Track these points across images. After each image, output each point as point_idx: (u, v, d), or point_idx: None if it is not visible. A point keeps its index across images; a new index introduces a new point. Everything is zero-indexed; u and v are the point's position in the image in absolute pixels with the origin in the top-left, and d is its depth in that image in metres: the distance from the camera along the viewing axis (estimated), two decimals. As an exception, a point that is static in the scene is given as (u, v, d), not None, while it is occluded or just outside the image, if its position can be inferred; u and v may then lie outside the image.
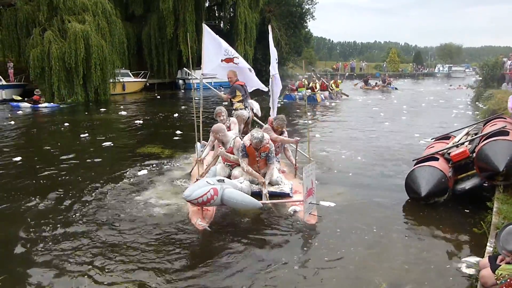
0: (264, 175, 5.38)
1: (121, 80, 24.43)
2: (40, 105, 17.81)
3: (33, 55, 19.58)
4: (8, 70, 22.93)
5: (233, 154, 5.64)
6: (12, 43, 21.83)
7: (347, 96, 21.89)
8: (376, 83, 30.31)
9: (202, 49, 7.47)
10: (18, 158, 7.83)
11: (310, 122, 11.34)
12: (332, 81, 22.76)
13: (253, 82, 7.82)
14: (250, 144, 5.27)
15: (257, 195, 5.05)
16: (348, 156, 8.11)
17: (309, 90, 19.26)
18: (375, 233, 4.34)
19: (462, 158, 5.35)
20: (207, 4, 33.57)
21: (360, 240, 4.19)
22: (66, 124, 12.83)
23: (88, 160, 7.74)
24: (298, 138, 6.30)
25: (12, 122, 13.32)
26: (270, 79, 7.35)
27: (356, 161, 7.72)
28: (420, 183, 5.05)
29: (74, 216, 4.80)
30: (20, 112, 16.53)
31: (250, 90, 7.72)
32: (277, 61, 7.32)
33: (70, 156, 8.07)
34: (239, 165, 5.50)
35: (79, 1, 21.20)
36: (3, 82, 21.71)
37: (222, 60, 7.43)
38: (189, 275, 3.51)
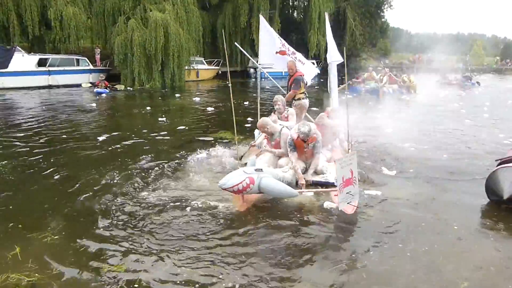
0: (310, 164, 5.48)
1: (195, 67, 25.34)
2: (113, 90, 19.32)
3: (117, 42, 20.95)
4: (96, 55, 24.77)
5: (280, 146, 5.72)
6: (99, 30, 23.52)
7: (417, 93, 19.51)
8: (455, 76, 27.31)
9: (259, 40, 7.64)
10: (103, 137, 8.50)
11: (378, 116, 10.89)
12: (404, 75, 20.91)
13: (308, 74, 7.90)
14: (298, 136, 5.34)
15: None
16: (422, 152, 7.74)
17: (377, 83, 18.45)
18: (454, 231, 4.16)
19: (551, 161, 4.90)
20: (281, -7, 33.51)
21: (436, 236, 4.04)
22: (148, 108, 13.59)
23: (162, 140, 8.19)
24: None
25: (94, 105, 14.42)
26: (328, 68, 7.37)
27: (431, 157, 7.35)
28: (503, 185, 4.70)
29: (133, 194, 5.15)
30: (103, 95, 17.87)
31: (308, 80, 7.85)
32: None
33: (149, 135, 8.61)
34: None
35: (160, -10, 22.27)
36: (91, 67, 23.51)
37: (276, 52, 7.56)
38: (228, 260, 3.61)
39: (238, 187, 4.45)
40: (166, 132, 9.31)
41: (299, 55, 7.82)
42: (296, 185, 5.18)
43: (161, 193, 5.14)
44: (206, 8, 30.57)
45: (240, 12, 29.01)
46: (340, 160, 4.54)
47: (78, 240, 3.85)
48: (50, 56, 21.77)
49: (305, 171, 5.50)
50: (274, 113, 7.02)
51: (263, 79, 29.68)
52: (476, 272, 3.46)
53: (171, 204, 4.77)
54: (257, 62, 7.88)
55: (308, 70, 7.91)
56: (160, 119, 11.17)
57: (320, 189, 5.13)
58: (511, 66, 59.59)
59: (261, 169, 4.79)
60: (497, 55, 67.28)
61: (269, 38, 7.67)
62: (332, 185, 5.16)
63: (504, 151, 6.88)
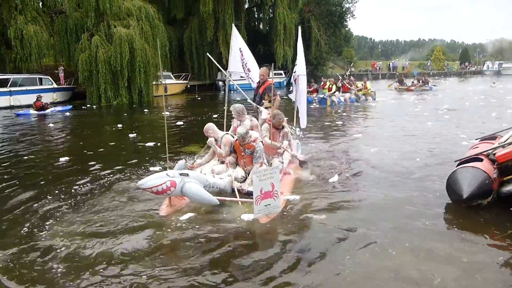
0: (249, 172, 5.61)
1: (163, 82, 25.17)
2: (48, 110, 17.37)
3: (81, 59, 20.59)
4: (59, 74, 24.23)
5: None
6: (62, 48, 23.00)
7: (374, 99, 19.78)
8: (412, 82, 28.04)
9: (230, 49, 7.75)
10: (66, 159, 8.27)
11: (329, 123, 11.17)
12: (361, 83, 20.58)
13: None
14: (237, 139, 5.63)
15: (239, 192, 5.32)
16: (383, 155, 7.98)
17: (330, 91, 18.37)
18: (413, 235, 4.27)
19: (509, 159, 5.12)
20: (246, 6, 33.88)
21: (399, 236, 4.13)
22: (120, 125, 13.36)
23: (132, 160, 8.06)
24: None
25: (51, 125, 13.95)
26: (294, 80, 7.49)
27: (392, 160, 7.57)
28: (462, 185, 4.86)
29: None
30: (68, 114, 17.41)
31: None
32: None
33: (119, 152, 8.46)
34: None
35: (124, 7, 22.11)
36: (55, 85, 22.95)
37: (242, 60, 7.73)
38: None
39: (157, 188, 4.50)
40: (134, 149, 9.19)
41: (253, 75, 7.90)
42: (233, 192, 5.31)
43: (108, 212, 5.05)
44: (172, 23, 30.53)
45: (206, 26, 29.12)
46: (258, 172, 4.64)
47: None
48: (11, 76, 21.14)
49: (244, 180, 5.63)
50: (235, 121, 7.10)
51: (232, 91, 29.74)
52: (444, 268, 3.55)
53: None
54: (227, 72, 7.95)
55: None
56: (130, 135, 11.00)
57: (234, 199, 5.09)
58: (470, 69, 62.24)
59: (187, 174, 4.87)
60: (456, 59, 70.19)
61: (238, 48, 7.76)
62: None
63: (464, 151, 7.14)
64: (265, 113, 7.21)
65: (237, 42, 7.77)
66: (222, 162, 6.02)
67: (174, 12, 30.44)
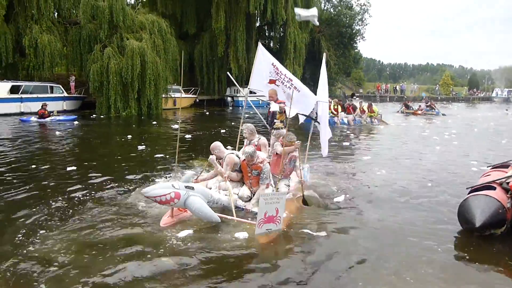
0: (255, 193, 5.63)
1: (172, 95, 25.36)
2: (47, 119, 17.32)
3: (93, 69, 20.81)
4: (70, 83, 24.50)
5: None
6: (75, 58, 23.38)
7: (386, 123, 19.46)
8: (419, 106, 27.58)
9: (253, 65, 7.68)
10: (73, 168, 8.27)
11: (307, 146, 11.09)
12: (366, 105, 20.14)
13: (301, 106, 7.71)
14: (244, 159, 5.59)
15: (241, 210, 5.38)
16: (391, 178, 7.88)
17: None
18: (421, 263, 4.16)
19: (522, 189, 5.03)
20: (257, 24, 34.27)
21: (408, 265, 4.03)
22: (129, 136, 13.39)
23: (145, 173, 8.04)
24: (298, 142, 6.22)
25: (58, 133, 13.97)
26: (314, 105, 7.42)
27: (400, 184, 7.46)
28: (475, 213, 4.76)
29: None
30: (76, 123, 17.51)
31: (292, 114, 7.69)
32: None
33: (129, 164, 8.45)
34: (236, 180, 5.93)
35: (137, 20, 22.49)
36: (65, 94, 23.18)
37: (268, 82, 7.62)
38: None
39: (161, 198, 4.53)
40: (143, 160, 9.18)
41: (296, 82, 7.69)
42: (236, 208, 5.27)
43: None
44: (184, 38, 30.92)
45: (217, 42, 29.48)
46: (267, 195, 4.66)
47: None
48: (23, 83, 21.38)
49: (249, 199, 5.61)
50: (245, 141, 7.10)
51: (240, 107, 29.77)
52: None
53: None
54: (244, 90, 7.91)
55: (304, 98, 7.60)
56: (139, 147, 11.01)
57: (237, 218, 4.99)
58: (479, 95, 62.21)
59: (192, 187, 4.86)
60: (465, 85, 70.24)
61: (264, 67, 7.69)
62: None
63: (474, 178, 7.05)
64: (275, 106, 7.23)
65: (268, 58, 7.71)
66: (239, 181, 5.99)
67: (186, 27, 30.86)
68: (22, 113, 20.06)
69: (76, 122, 17.47)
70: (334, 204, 6.05)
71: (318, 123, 7.68)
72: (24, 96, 20.94)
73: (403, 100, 31.11)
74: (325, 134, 7.76)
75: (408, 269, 4.00)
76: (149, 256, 4.05)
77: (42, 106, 17.65)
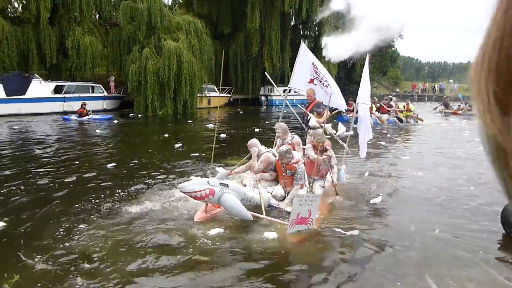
0: (288, 192, 5.65)
1: (207, 94, 25.73)
2: (84, 117, 17.94)
3: (132, 69, 21.45)
4: (110, 83, 25.36)
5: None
6: (115, 58, 24.22)
7: (421, 120, 19.07)
8: (459, 105, 26.25)
9: (294, 64, 7.71)
10: (113, 165, 8.56)
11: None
12: (403, 104, 19.76)
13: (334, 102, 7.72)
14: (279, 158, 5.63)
15: (274, 209, 5.45)
16: (430, 180, 7.65)
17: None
18: (462, 266, 4.04)
19: None
20: (292, 23, 34.14)
21: (451, 268, 3.93)
22: (166, 135, 13.73)
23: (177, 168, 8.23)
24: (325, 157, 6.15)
25: (98, 131, 14.50)
26: (355, 106, 7.34)
27: (440, 186, 7.24)
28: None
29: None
30: (115, 121, 18.10)
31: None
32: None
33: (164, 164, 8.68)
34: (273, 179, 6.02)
35: (174, 21, 23.00)
36: (105, 94, 24.01)
37: (309, 81, 7.61)
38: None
39: (196, 194, 4.65)
40: (180, 158, 9.39)
41: (332, 84, 7.67)
42: (269, 207, 5.36)
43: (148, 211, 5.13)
44: (219, 38, 31.29)
45: (252, 41, 29.62)
46: (301, 196, 4.71)
47: (76, 269, 3.83)
48: (66, 83, 22.33)
49: (283, 199, 5.62)
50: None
51: (273, 106, 29.75)
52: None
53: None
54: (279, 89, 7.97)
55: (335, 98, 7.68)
56: (176, 145, 11.27)
57: (270, 218, 5.00)
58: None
59: (227, 185, 4.93)
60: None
61: (305, 66, 7.72)
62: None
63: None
64: (313, 120, 7.20)
65: (310, 57, 7.73)
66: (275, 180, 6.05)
67: (222, 27, 31.20)
68: (65, 112, 20.94)
69: (115, 121, 18.07)
70: (371, 205, 5.96)
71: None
72: (67, 95, 21.87)
73: (442, 99, 29.78)
74: (365, 135, 7.67)
75: (449, 273, 3.91)
76: (179, 254, 4.14)
77: (81, 105, 18.42)
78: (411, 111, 19.19)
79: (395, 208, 5.92)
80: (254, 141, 6.26)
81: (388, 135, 14.80)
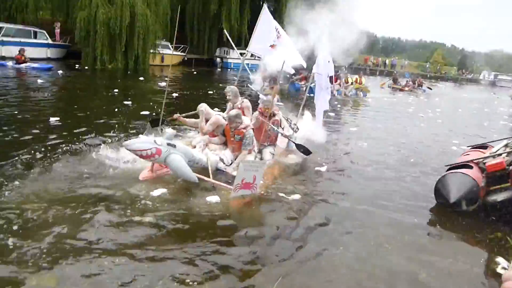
0: (236, 157, 5.68)
1: (160, 51, 24.78)
2: (22, 65, 16.81)
3: (80, 17, 20.02)
4: (55, 29, 23.60)
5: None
6: (61, 3, 22.45)
7: (368, 91, 19.63)
8: (406, 81, 27.34)
9: (255, 28, 7.53)
10: (56, 119, 8.13)
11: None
12: (355, 77, 20.07)
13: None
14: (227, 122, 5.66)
15: (221, 173, 5.42)
16: (374, 151, 8.03)
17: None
18: (400, 231, 4.33)
19: (497, 169, 5.19)
20: (253, -16, 33.22)
21: (380, 236, 4.19)
22: (116, 90, 13.16)
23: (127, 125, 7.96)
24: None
25: (41, 81, 13.52)
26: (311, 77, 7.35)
27: (383, 157, 7.63)
28: (451, 189, 4.96)
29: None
30: (60, 72, 17.04)
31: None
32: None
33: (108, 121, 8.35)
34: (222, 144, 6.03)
35: (129, -32, 21.51)
36: (49, 41, 22.38)
37: (270, 46, 7.49)
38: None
39: (142, 153, 4.57)
40: (128, 116, 9.08)
41: (291, 48, 7.58)
42: (217, 170, 5.40)
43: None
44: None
45: (211, 0, 28.60)
46: (247, 162, 4.77)
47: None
48: (5, 25, 20.44)
49: (231, 163, 5.67)
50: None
51: (228, 69, 29.29)
52: (428, 265, 3.63)
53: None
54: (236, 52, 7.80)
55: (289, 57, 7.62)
56: (125, 102, 10.85)
57: (214, 181, 4.97)
58: (467, 76, 62.56)
59: (174, 145, 4.87)
60: (455, 65, 70.40)
61: (266, 30, 7.54)
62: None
63: (454, 156, 7.24)
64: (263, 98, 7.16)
65: (271, 22, 7.54)
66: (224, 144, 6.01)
67: (180, -19, 29.71)
68: (3, 58, 19.37)
69: (59, 72, 17.01)
70: (316, 173, 6.15)
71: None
72: (5, 39, 20.12)
73: (393, 75, 30.73)
74: (321, 106, 7.79)
75: (384, 234, 4.17)
76: (119, 212, 4.06)
77: (19, 51, 17.09)
78: (362, 84, 19.67)
79: (339, 178, 6.15)
80: (203, 105, 6.14)
81: (338, 107, 15.15)
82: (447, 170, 5.49)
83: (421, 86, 26.63)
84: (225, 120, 5.88)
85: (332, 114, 12.75)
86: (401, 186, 6.01)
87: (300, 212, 4.62)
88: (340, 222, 4.47)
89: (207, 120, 6.03)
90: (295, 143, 6.39)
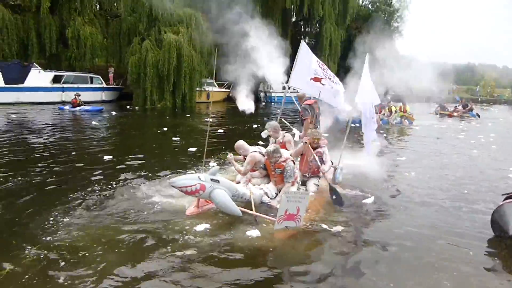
0: (280, 190, 5.69)
1: (206, 89, 25.74)
2: (76, 108, 18.23)
3: (131, 61, 21.43)
4: (109, 74, 25.32)
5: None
6: (114, 50, 24.20)
7: (413, 119, 19.02)
8: (455, 107, 25.89)
9: (294, 63, 7.70)
10: (110, 157, 8.60)
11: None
12: (399, 105, 19.30)
13: (332, 100, 7.88)
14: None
15: (266, 206, 5.47)
16: (424, 181, 7.70)
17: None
18: (457, 264, 4.12)
19: (560, 198, 4.87)
20: (293, 19, 34.09)
21: (438, 270, 4.01)
22: (165, 128, 13.77)
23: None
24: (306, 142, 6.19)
25: (95, 123, 14.43)
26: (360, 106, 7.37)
27: (434, 187, 7.29)
28: (509, 220, 4.67)
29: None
30: (114, 113, 18.07)
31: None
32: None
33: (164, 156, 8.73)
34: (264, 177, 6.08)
35: (175, 14, 22.90)
36: (104, 85, 23.99)
37: (311, 79, 7.62)
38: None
39: (186, 189, 4.72)
40: (177, 152, 9.44)
41: (337, 80, 7.80)
42: (261, 203, 5.43)
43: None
44: (219, 31, 31.18)
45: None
46: (289, 193, 4.71)
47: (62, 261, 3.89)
48: (65, 73, 22.31)
49: (274, 197, 5.69)
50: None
51: (272, 103, 29.69)
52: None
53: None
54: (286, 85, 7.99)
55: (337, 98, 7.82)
56: (174, 138, 11.31)
57: (262, 215, 5.01)
58: (522, 97, 59.32)
59: (218, 180, 4.97)
60: (508, 87, 67.13)
61: (306, 64, 7.72)
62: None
63: (510, 185, 6.85)
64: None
65: (311, 56, 7.74)
66: (267, 176, 6.09)
67: (223, 21, 31.06)
68: (63, 102, 20.92)
69: (113, 113, 18.06)
70: (362, 205, 6.02)
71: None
72: (65, 85, 21.85)
73: (440, 100, 29.53)
74: (369, 135, 7.74)
75: (437, 268, 3.99)
76: (164, 247, 4.16)
77: (75, 95, 18.53)
78: (406, 112, 19.11)
79: (386, 209, 5.97)
80: (240, 143, 6.28)
81: (384, 135, 14.85)
82: (504, 200, 5.19)
83: (472, 110, 25.27)
84: (262, 155, 5.96)
85: (378, 143, 12.51)
86: (453, 217, 5.69)
87: (345, 246, 4.51)
88: (390, 258, 4.30)
89: (245, 157, 6.14)
90: (330, 185, 6.15)
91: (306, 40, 36.69)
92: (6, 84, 19.69)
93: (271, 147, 5.70)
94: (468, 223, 5.46)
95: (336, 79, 7.84)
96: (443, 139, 14.26)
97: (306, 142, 6.21)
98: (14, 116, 15.56)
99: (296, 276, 3.81)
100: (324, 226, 4.96)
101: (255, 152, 6.08)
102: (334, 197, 5.91)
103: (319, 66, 7.64)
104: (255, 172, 6.11)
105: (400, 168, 8.87)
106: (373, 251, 4.44)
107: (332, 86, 7.70)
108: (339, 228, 4.92)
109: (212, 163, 7.68)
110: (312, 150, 6.15)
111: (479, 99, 52.42)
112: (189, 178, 4.81)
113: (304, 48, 7.69)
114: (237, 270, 3.85)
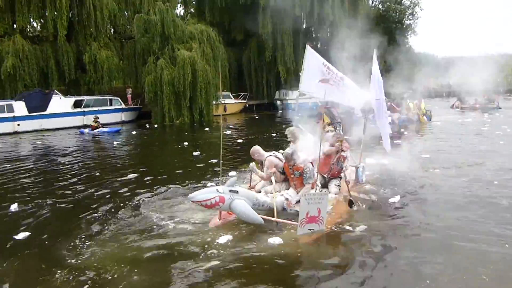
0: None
1: (222, 101, 25.95)
2: (95, 130, 18.41)
3: (148, 81, 21.84)
4: (127, 95, 25.83)
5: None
6: (131, 71, 24.73)
7: (431, 115, 18.60)
8: (476, 99, 24.63)
9: (302, 68, 7.69)
10: (134, 175, 8.73)
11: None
12: (413, 103, 18.63)
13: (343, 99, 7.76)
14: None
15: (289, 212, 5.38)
16: (450, 177, 7.51)
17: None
18: (489, 262, 4.00)
19: None
20: (304, 26, 34.13)
21: (466, 270, 3.89)
22: (185, 143, 13.88)
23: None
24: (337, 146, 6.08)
25: (116, 143, 14.65)
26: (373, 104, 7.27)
27: (461, 183, 7.09)
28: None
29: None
30: (134, 132, 18.36)
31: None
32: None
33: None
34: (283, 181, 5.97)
35: (187, 30, 23.35)
36: (123, 106, 24.47)
37: (319, 81, 7.57)
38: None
39: (206, 202, 4.74)
40: (198, 165, 9.52)
41: (347, 80, 7.72)
42: (283, 210, 5.38)
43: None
44: (232, 45, 31.54)
45: (265, 47, 29.73)
46: (307, 195, 4.66)
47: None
48: (85, 98, 22.87)
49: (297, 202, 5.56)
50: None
51: (290, 110, 29.76)
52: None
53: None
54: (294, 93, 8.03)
55: (354, 96, 7.71)
56: (194, 153, 11.43)
57: (280, 220, 4.97)
58: (547, 86, 57.46)
59: (237, 191, 4.97)
60: (531, 75, 65.13)
61: (313, 67, 7.70)
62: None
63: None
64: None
65: (317, 58, 7.73)
66: (285, 180, 6.05)
67: (234, 34, 31.47)
68: (85, 126, 21.42)
69: (133, 132, 18.37)
70: (389, 205, 5.92)
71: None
72: (86, 109, 22.38)
73: (456, 95, 28.29)
74: (385, 130, 7.66)
75: (471, 275, 3.87)
76: (188, 261, 4.18)
77: (94, 119, 18.94)
78: (422, 109, 18.57)
79: (414, 207, 5.85)
80: (255, 148, 6.30)
81: (406, 133, 14.62)
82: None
83: (494, 101, 24.24)
84: (279, 159, 5.94)
85: (399, 141, 12.33)
86: (484, 213, 5.50)
87: (373, 246, 4.44)
88: (424, 257, 4.17)
89: (261, 163, 6.14)
90: (350, 200, 5.96)
91: (319, 45, 36.74)
92: (29, 112, 20.30)
93: (288, 150, 5.69)
94: (500, 218, 5.27)
95: (345, 77, 7.71)
96: (465, 133, 13.90)
97: (339, 144, 6.12)
98: (39, 142, 16.01)
99: (324, 282, 3.75)
100: (348, 227, 4.90)
101: (271, 156, 6.09)
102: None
103: (326, 67, 7.59)
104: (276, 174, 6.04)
105: (424, 165, 8.68)
106: (402, 250, 4.34)
107: (340, 84, 7.61)
108: (362, 228, 4.85)
109: (231, 173, 7.70)
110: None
111: (501, 89, 51.04)
112: (207, 192, 4.85)
113: (310, 52, 7.68)
114: (261, 279, 3.83)
